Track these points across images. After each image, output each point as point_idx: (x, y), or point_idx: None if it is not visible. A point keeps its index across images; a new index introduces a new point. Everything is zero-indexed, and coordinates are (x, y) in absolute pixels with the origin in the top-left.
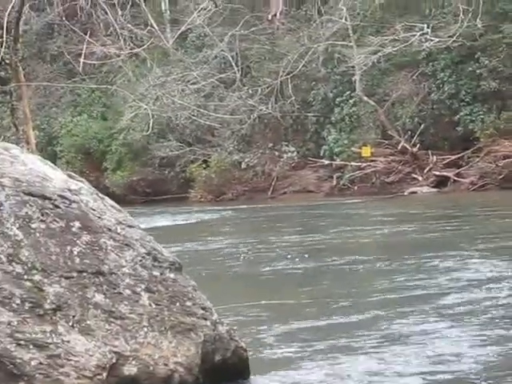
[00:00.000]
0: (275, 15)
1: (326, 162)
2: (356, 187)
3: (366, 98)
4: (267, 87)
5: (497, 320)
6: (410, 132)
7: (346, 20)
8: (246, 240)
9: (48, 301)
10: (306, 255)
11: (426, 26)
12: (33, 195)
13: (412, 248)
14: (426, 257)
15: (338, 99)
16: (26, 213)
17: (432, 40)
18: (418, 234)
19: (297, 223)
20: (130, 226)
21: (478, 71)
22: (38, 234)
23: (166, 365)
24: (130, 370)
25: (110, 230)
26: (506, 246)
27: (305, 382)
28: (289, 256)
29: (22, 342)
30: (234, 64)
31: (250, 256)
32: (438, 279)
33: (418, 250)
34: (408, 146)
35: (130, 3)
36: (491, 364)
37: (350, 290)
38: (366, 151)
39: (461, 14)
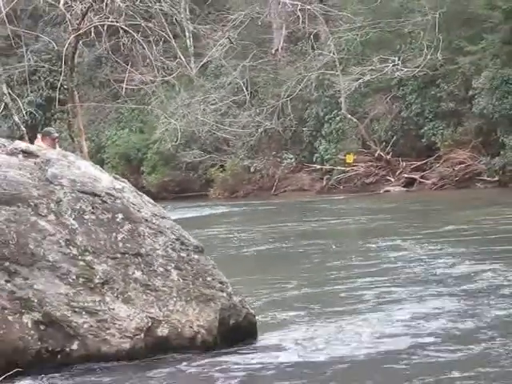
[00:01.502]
0: (277, 50)
1: (318, 166)
2: (342, 187)
3: (349, 116)
4: (271, 107)
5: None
6: (384, 143)
7: (333, 54)
8: (250, 227)
9: (97, 276)
10: (292, 238)
11: (397, 58)
12: (85, 193)
13: (375, 233)
14: (383, 239)
15: (327, 117)
16: (80, 207)
17: (402, 70)
18: (383, 222)
19: (290, 214)
20: (163, 217)
21: (438, 94)
22: (89, 224)
23: (191, 327)
24: (162, 331)
25: (146, 220)
26: (441, 232)
27: (302, 339)
28: (271, 240)
29: (76, 310)
30: (244, 89)
31: (253, 238)
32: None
33: (380, 234)
34: (383, 154)
35: (163, 40)
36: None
37: (329, 266)
38: (350, 158)
39: (425, 49)
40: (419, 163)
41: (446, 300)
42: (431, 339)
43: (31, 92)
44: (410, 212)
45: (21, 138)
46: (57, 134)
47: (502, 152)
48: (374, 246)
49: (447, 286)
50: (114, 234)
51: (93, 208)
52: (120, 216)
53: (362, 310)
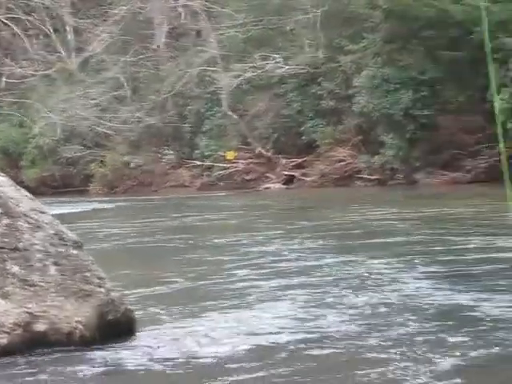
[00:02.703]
0: (159, 46)
1: (198, 162)
2: (222, 183)
3: (230, 113)
4: (152, 103)
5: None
6: (265, 140)
7: (215, 50)
8: (126, 223)
9: None
10: (164, 233)
11: (278, 56)
12: None
13: (241, 228)
14: (249, 235)
15: (208, 113)
16: None
17: (283, 67)
18: (250, 218)
19: (165, 210)
20: (42, 212)
21: (319, 92)
22: None
23: (69, 323)
24: (40, 326)
25: (25, 215)
26: (302, 228)
27: (180, 335)
28: (145, 235)
29: None
30: (125, 84)
31: (128, 233)
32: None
33: (246, 229)
34: (263, 151)
35: (43, 34)
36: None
37: (200, 260)
38: (230, 155)
39: (306, 47)
40: (299, 160)
41: (313, 290)
42: (314, 333)
43: None
44: (279, 209)
45: None
46: None
47: (381, 151)
48: (239, 240)
49: (310, 277)
50: None
51: None
52: None
53: (239, 304)
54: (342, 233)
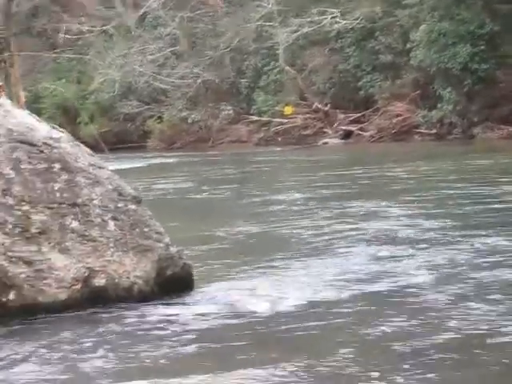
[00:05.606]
0: (216, 1)
1: (256, 118)
2: (279, 138)
3: (287, 68)
4: (209, 59)
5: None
6: (322, 95)
7: (272, 5)
8: (181, 178)
9: (34, 226)
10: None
11: (336, 10)
12: (22, 142)
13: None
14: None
15: (265, 68)
16: (17, 156)
17: (340, 22)
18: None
19: (220, 166)
20: (100, 168)
21: (376, 47)
22: (26, 174)
23: (128, 278)
24: (99, 281)
25: (83, 170)
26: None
27: (241, 289)
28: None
29: (13, 259)
30: (182, 40)
31: (182, 188)
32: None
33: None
34: (321, 106)
35: None
36: None
37: (252, 213)
38: (288, 110)
39: (364, 2)
40: (357, 115)
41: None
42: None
43: None
44: (323, 161)
45: None
46: (1, 83)
47: (439, 105)
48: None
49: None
50: (51, 183)
51: (29, 158)
52: (57, 166)
53: (301, 258)
54: (362, 183)
